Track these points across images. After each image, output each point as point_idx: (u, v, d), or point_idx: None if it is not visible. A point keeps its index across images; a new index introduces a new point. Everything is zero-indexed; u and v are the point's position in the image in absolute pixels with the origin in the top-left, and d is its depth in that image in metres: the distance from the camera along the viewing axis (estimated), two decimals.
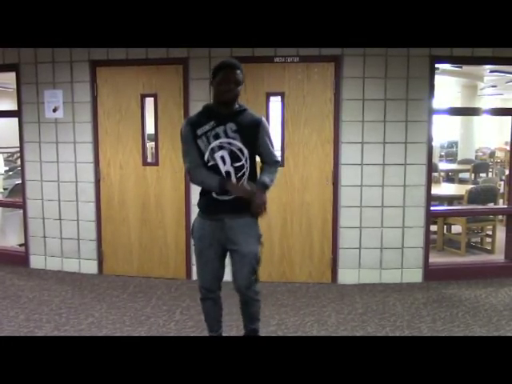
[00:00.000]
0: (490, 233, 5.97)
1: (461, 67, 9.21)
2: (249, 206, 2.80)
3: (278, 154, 3.10)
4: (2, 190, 7.49)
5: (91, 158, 4.89)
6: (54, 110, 4.90)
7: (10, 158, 11.97)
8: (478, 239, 6.22)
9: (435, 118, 4.64)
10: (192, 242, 3.07)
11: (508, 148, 11.69)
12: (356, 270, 4.69)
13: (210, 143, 2.79)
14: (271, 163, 2.97)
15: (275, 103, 4.64)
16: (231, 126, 2.81)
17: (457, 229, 6.10)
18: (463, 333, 3.59)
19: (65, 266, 5.06)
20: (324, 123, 4.59)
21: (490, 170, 11.65)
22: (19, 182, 5.57)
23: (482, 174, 10.38)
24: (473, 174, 9.93)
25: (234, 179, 2.82)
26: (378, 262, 4.68)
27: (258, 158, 2.98)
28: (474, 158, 12.31)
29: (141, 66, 4.74)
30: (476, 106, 11.72)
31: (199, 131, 2.81)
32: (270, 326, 3.69)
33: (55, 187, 5.01)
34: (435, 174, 6.97)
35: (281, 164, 3.48)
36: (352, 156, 4.59)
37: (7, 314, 3.95)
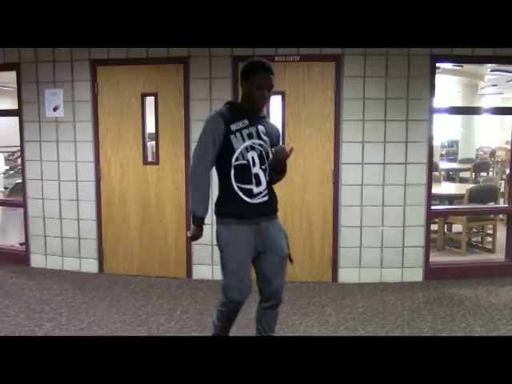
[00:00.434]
0: (490, 232, 5.97)
1: (461, 66, 9.21)
2: (277, 207, 2.81)
3: None
4: (2, 189, 7.51)
5: (92, 157, 4.89)
6: (55, 109, 4.90)
7: (11, 157, 11.99)
8: (479, 238, 6.22)
9: (436, 117, 4.64)
10: (219, 251, 2.77)
11: (509, 147, 11.67)
12: (356, 269, 4.70)
13: (244, 141, 2.66)
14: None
15: (276, 102, 4.63)
16: (262, 128, 2.73)
17: (457, 228, 6.10)
18: (464, 332, 3.59)
19: (65, 265, 5.07)
20: (324, 122, 4.59)
21: (491, 169, 11.65)
22: (20, 181, 5.58)
23: (482, 173, 10.38)
24: (473, 173, 9.93)
25: (263, 181, 2.71)
26: (379, 261, 4.69)
27: None
28: (474, 157, 12.31)
29: (141, 65, 4.73)
30: (477, 105, 11.71)
31: (233, 126, 2.65)
32: None
33: (56, 186, 5.01)
34: (436, 173, 6.95)
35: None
36: (352, 155, 4.59)
37: (8, 313, 3.95)
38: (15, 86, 5.08)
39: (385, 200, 4.62)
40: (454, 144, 15.50)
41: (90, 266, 5.00)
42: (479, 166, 10.37)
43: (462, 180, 9.64)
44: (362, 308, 4.07)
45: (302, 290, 4.48)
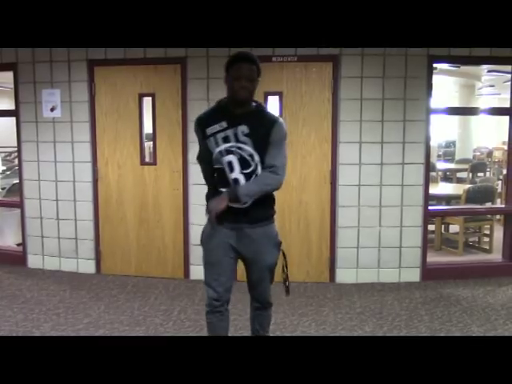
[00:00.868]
0: (487, 232, 5.98)
1: (459, 67, 9.22)
2: (268, 214, 2.70)
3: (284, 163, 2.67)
4: None
5: (89, 158, 4.88)
6: (52, 110, 4.89)
7: (8, 158, 11.95)
8: (476, 239, 6.23)
9: (433, 117, 4.65)
10: (201, 250, 2.80)
11: (505, 147, 11.69)
12: (354, 269, 4.70)
13: (218, 145, 2.59)
14: (267, 167, 2.60)
15: (273, 103, 4.63)
16: (243, 128, 2.57)
17: (454, 228, 6.11)
18: (461, 332, 3.60)
19: (62, 266, 5.06)
20: (322, 123, 4.60)
21: (488, 169, 11.65)
22: (17, 181, 5.56)
23: (479, 174, 10.39)
24: (470, 174, 9.94)
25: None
26: (376, 261, 4.69)
27: None
28: (471, 157, 12.33)
29: (139, 65, 4.73)
30: (474, 105, 11.72)
31: (208, 131, 2.62)
32: None
33: (53, 187, 5.00)
34: (433, 174, 6.98)
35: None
36: (350, 155, 4.59)
37: (5, 313, 3.94)
38: (12, 86, 5.07)
39: (382, 200, 4.63)
40: (451, 144, 15.52)
41: (88, 266, 4.99)
42: (476, 166, 10.38)
43: (459, 180, 9.66)
44: (360, 308, 4.07)
45: (299, 291, 4.47)
